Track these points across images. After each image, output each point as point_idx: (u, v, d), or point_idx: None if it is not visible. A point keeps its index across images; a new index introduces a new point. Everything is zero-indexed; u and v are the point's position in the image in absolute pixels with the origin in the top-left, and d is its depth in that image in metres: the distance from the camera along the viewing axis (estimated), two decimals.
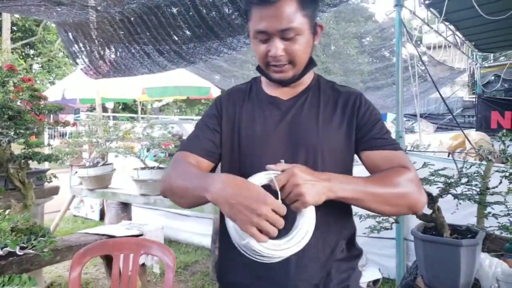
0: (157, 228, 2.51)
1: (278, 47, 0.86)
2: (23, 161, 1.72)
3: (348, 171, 0.96)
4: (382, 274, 2.97)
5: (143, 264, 2.38)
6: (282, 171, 0.75)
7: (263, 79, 1.01)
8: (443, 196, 1.50)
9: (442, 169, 1.56)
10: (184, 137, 5.02)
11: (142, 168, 3.17)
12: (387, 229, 1.62)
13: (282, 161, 0.79)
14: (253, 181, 0.75)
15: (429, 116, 9.21)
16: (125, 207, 3.46)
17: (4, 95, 1.91)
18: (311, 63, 0.96)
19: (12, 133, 1.74)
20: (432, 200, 1.49)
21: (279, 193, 0.73)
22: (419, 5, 3.81)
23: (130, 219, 3.38)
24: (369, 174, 0.93)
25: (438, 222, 1.44)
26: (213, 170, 0.99)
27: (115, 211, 3.48)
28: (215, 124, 0.98)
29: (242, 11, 2.58)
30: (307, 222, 0.75)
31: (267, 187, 0.74)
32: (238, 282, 0.95)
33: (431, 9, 4.02)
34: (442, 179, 1.53)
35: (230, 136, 0.97)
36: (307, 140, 0.92)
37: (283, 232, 0.72)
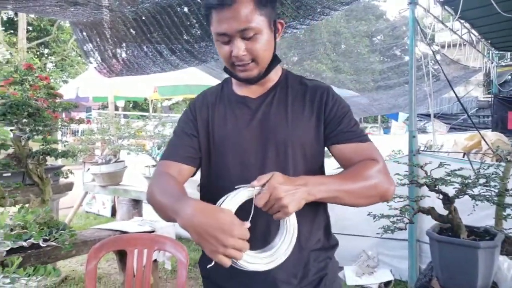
0: (168, 224, 2.52)
1: (239, 47, 0.89)
2: (41, 157, 1.75)
3: (319, 163, 0.99)
4: (394, 276, 2.94)
5: (155, 260, 2.40)
6: (263, 185, 0.78)
7: (233, 79, 1.04)
8: (460, 196, 1.48)
9: (458, 170, 1.54)
10: None
11: (154, 166, 3.20)
12: (402, 229, 1.61)
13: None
14: (236, 198, 0.77)
15: (442, 116, 9.07)
16: (136, 204, 3.50)
17: (23, 93, 1.95)
18: (275, 60, 0.98)
19: (29, 129, 1.77)
20: (448, 200, 1.47)
21: (251, 213, 0.76)
22: (434, 3, 3.75)
23: (141, 215, 3.41)
24: (339, 166, 0.97)
25: (455, 223, 1.42)
26: (196, 172, 1.03)
27: (127, 207, 3.52)
28: (192, 129, 1.01)
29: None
30: (291, 229, 0.80)
31: (247, 202, 0.78)
32: (217, 275, 0.98)
33: (445, 6, 3.96)
34: (459, 179, 1.50)
35: (206, 138, 1.00)
36: (277, 136, 0.94)
37: (265, 234, 0.77)
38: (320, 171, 1.00)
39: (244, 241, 0.70)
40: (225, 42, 0.91)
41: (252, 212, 0.76)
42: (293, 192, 0.77)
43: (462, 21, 4.43)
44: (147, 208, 3.77)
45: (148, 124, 3.88)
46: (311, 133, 0.96)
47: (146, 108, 16.01)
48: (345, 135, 0.95)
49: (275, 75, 1.02)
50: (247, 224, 0.72)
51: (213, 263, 0.73)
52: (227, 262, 0.70)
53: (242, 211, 0.75)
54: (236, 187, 0.79)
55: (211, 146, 0.99)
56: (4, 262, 1.33)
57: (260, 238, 0.86)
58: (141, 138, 3.77)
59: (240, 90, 1.02)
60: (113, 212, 5.13)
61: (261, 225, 0.89)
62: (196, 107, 1.04)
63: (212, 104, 1.03)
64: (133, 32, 3.25)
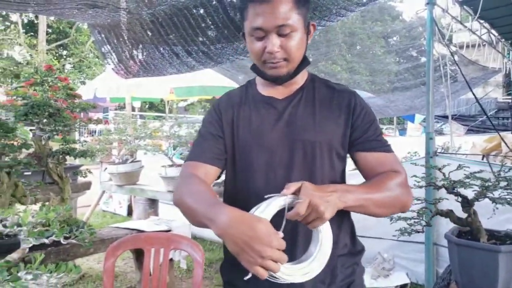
0: (184, 224, 2.55)
1: (274, 43, 0.88)
2: (61, 156, 1.80)
3: (342, 167, 0.99)
4: (410, 279, 2.90)
5: (171, 259, 2.43)
6: (294, 192, 0.77)
7: (258, 81, 1.04)
8: (480, 199, 1.45)
9: (478, 172, 1.50)
10: None
11: (170, 166, 3.24)
12: (419, 232, 1.58)
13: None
14: (270, 208, 0.75)
15: (460, 118, 8.87)
16: (153, 203, 3.54)
17: (43, 93, 2.01)
18: (304, 61, 0.97)
19: (49, 129, 1.82)
20: (467, 203, 1.44)
21: (283, 223, 0.74)
22: (453, 3, 3.68)
23: (157, 215, 3.46)
24: (359, 173, 0.98)
25: (474, 227, 1.39)
26: (222, 173, 1.03)
27: (143, 207, 3.57)
28: (217, 130, 1.00)
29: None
30: (327, 238, 0.78)
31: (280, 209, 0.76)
32: (242, 281, 0.96)
33: (464, 6, 3.87)
34: (478, 182, 1.47)
35: (230, 139, 0.99)
36: (305, 137, 0.94)
37: (292, 244, 0.76)
38: (342, 174, 0.99)
39: (281, 252, 0.69)
40: (259, 37, 0.90)
41: (285, 221, 0.74)
42: (327, 199, 0.76)
43: (481, 21, 4.33)
44: (163, 208, 3.83)
45: (165, 125, 3.93)
46: (338, 136, 0.95)
47: (162, 109, 16.23)
48: (371, 143, 0.95)
49: (301, 78, 1.01)
50: (281, 234, 0.70)
51: (250, 275, 0.70)
52: (264, 274, 0.68)
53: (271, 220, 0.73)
54: (266, 196, 0.77)
55: (235, 146, 0.99)
56: (26, 258, 1.37)
57: (288, 248, 0.85)
58: (158, 138, 3.83)
59: (265, 91, 1.01)
60: (129, 211, 5.21)
61: (288, 234, 0.89)
62: (221, 108, 1.03)
63: (237, 104, 1.02)
64: (150, 33, 3.31)
